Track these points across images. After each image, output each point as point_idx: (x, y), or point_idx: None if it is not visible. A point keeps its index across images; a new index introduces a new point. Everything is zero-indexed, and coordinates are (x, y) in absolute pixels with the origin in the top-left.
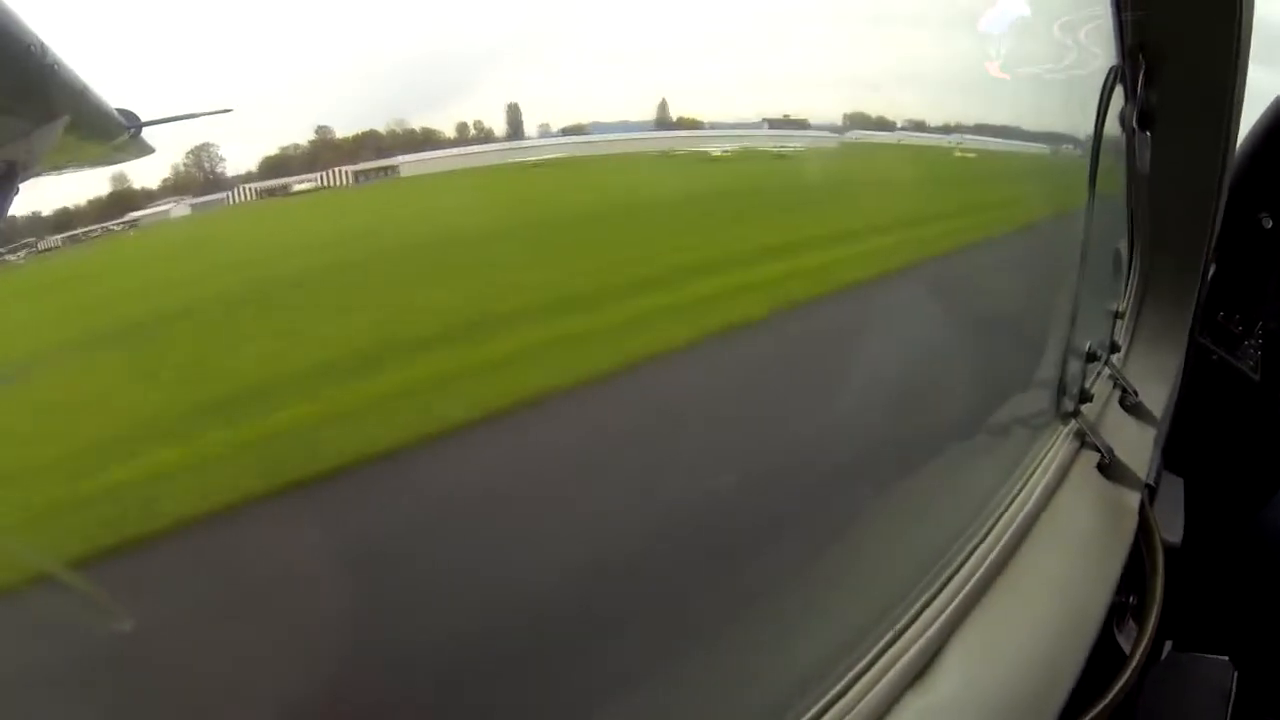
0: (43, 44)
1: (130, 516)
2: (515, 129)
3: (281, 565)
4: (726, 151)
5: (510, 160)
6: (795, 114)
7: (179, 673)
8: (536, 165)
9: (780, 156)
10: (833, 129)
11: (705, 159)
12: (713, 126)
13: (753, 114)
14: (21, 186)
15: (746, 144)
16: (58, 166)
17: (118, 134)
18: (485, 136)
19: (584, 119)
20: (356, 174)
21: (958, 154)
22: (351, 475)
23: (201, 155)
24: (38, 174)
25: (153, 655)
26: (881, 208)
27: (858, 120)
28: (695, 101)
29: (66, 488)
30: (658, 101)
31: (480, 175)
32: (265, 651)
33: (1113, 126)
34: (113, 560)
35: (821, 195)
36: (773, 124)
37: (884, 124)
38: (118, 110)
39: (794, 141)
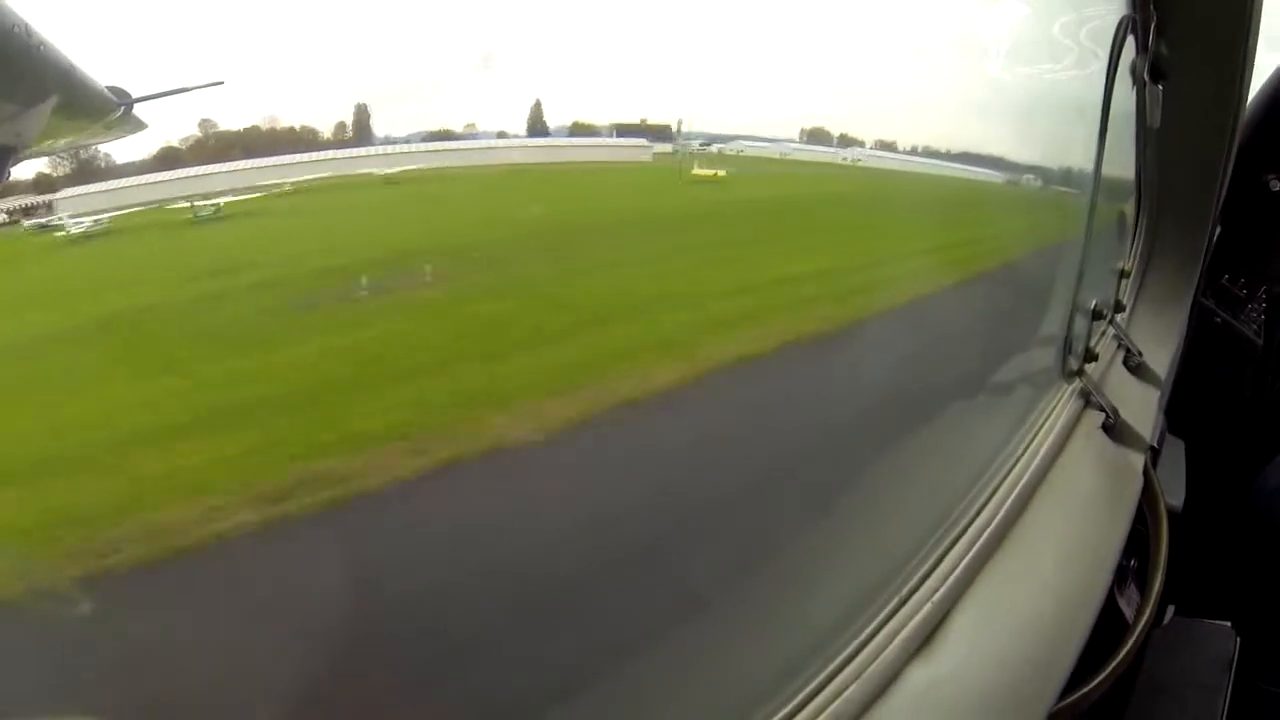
0: (27, 24)
1: None
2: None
3: None
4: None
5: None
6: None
7: None
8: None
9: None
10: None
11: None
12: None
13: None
14: (13, 170)
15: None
16: (49, 148)
17: (108, 112)
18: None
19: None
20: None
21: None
22: None
23: None
24: (29, 156)
25: None
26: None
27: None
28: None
29: None
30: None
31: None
32: None
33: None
34: None
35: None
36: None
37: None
38: (107, 88)
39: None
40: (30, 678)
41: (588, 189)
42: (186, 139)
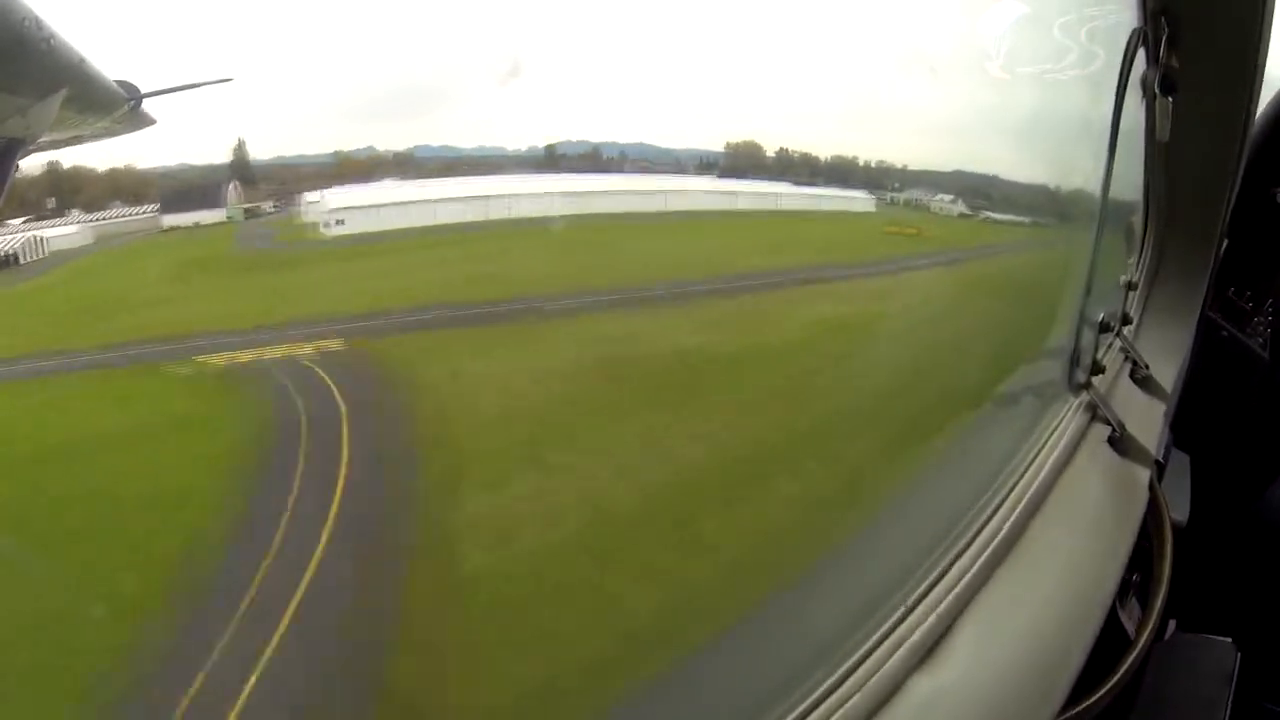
0: (37, 18)
1: None
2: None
3: None
4: None
5: None
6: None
7: None
8: None
9: None
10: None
11: None
12: None
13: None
14: (21, 162)
15: None
16: (58, 141)
17: (117, 106)
18: None
19: None
20: None
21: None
22: None
23: None
24: (38, 149)
25: None
26: None
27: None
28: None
29: None
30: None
31: None
32: None
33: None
34: None
35: None
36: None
37: None
38: (117, 82)
39: None
40: None
41: None
42: None
